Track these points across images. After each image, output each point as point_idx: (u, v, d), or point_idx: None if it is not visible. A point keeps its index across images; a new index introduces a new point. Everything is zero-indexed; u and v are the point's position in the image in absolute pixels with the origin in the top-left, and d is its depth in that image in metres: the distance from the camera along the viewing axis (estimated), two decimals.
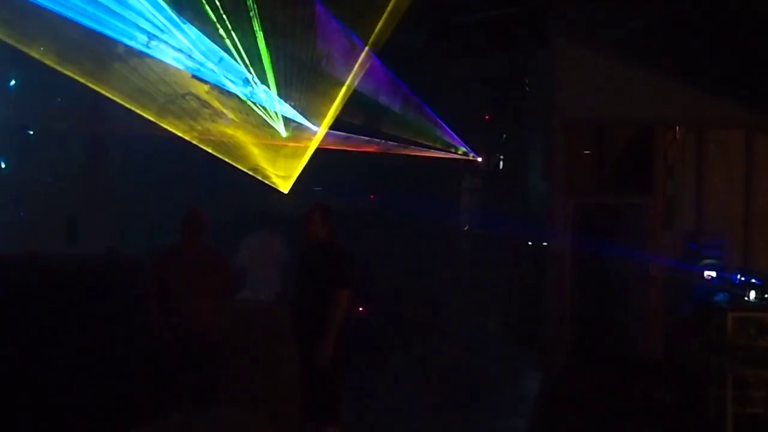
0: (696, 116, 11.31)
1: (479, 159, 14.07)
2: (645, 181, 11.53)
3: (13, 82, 12.51)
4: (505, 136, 14.17)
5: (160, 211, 12.60)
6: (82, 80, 11.20)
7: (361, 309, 10.04)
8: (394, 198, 13.64)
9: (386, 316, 11.97)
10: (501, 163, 14.34)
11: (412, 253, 13.84)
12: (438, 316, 13.32)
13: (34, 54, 10.91)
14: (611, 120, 11.63)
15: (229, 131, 13.00)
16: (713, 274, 10.83)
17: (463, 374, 10.96)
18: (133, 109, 11.58)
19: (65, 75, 11.26)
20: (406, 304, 12.91)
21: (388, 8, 11.31)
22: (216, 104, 12.54)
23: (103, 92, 11.49)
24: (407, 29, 11.83)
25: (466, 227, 14.78)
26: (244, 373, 8.07)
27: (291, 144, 13.28)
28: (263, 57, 11.96)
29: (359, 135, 13.47)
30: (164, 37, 11.17)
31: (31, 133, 12.99)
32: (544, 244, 12.63)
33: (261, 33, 11.50)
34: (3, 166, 12.83)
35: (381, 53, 12.21)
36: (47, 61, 10.98)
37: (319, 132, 13.16)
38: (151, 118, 11.75)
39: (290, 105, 12.93)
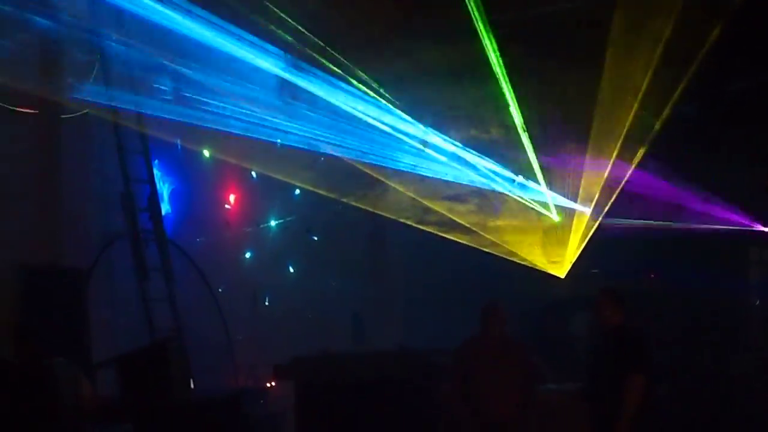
0: None
1: (766, 229, 13.29)
2: None
3: (297, 191, 13.25)
4: None
5: (443, 305, 12.90)
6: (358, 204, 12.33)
7: None
8: (676, 276, 13.13)
9: (683, 399, 11.45)
10: None
11: (701, 331, 13.18)
12: (737, 396, 12.53)
13: None
14: None
15: (502, 224, 13.19)
16: None
17: None
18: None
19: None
20: (702, 385, 12.27)
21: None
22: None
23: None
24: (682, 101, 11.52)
25: (757, 302, 13.93)
26: None
27: (565, 229, 13.24)
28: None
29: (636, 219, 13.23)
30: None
31: (316, 238, 13.67)
32: None
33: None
34: (291, 270, 13.53)
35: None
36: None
37: (592, 214, 13.04)
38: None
39: (561, 192, 12.95)
